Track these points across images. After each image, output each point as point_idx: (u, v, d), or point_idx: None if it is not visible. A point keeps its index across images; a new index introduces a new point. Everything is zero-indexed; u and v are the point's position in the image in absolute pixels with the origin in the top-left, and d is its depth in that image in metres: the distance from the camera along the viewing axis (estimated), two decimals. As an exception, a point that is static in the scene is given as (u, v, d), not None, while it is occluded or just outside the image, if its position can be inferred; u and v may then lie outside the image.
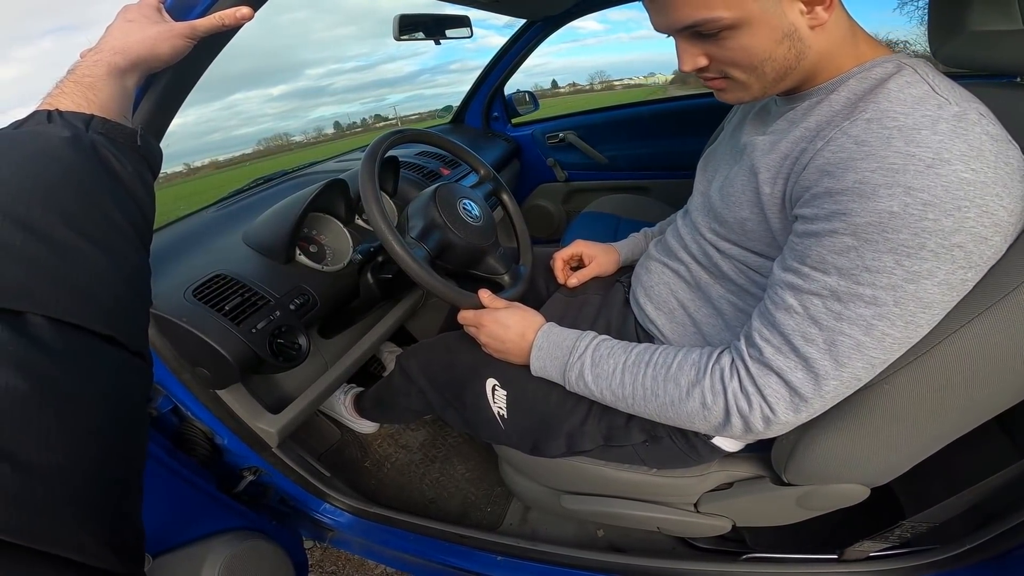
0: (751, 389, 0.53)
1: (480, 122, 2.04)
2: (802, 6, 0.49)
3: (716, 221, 0.64)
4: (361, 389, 1.28)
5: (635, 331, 0.79)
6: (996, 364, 0.48)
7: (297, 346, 0.77)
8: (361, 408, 1.25)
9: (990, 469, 0.65)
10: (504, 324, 0.73)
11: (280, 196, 1.01)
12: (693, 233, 0.70)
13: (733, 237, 0.62)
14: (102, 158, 0.40)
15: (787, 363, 0.50)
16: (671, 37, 0.56)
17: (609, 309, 0.84)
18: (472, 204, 0.88)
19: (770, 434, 0.56)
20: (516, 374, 0.75)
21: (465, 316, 0.76)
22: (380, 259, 0.91)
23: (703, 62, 0.54)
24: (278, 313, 0.77)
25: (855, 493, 0.67)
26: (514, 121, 2.10)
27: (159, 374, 0.74)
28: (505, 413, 0.77)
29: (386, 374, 1.38)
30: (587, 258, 0.92)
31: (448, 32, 1.39)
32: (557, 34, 1.80)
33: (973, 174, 0.41)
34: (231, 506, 0.88)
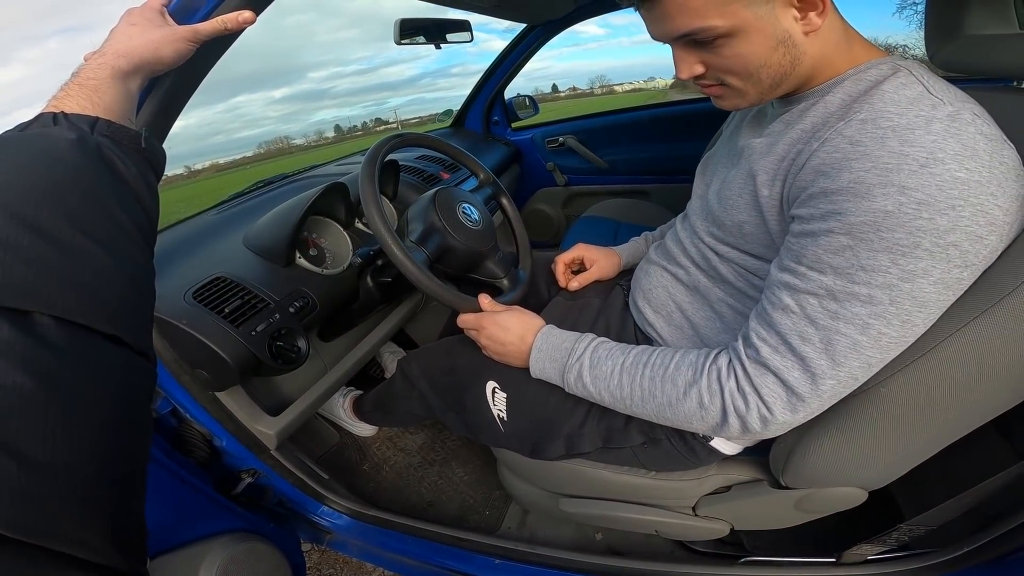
0: (748, 389, 0.53)
1: (480, 126, 2.05)
2: (796, 12, 0.49)
3: (714, 224, 0.65)
4: (360, 392, 1.28)
5: (634, 334, 0.79)
6: (993, 367, 0.48)
7: (296, 349, 0.77)
8: (360, 411, 1.25)
9: (988, 472, 0.65)
10: (504, 327, 0.73)
11: (280, 199, 1.01)
12: (692, 237, 0.71)
13: (731, 240, 0.62)
14: (107, 160, 0.40)
15: (784, 363, 0.50)
16: (668, 45, 0.56)
17: (608, 312, 0.85)
18: (472, 208, 0.88)
19: (768, 434, 0.56)
20: (516, 377, 0.75)
21: (465, 319, 0.77)
22: (380, 262, 0.92)
23: (700, 70, 0.55)
24: (278, 316, 0.77)
25: (853, 496, 0.67)
26: (514, 125, 2.11)
27: (158, 376, 0.74)
28: (505, 416, 0.77)
29: (387, 377, 1.38)
30: (588, 262, 0.93)
31: (449, 36, 1.40)
32: (558, 38, 1.82)
33: (967, 173, 0.41)
34: (229, 508, 0.88)
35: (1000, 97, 0.59)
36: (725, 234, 0.63)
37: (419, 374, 0.90)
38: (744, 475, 0.77)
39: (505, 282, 0.88)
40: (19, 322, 0.28)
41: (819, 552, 0.82)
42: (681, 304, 0.71)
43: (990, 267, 0.46)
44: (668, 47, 0.57)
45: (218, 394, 0.80)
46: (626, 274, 0.93)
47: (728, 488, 0.79)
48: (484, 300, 0.76)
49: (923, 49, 0.70)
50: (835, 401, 0.52)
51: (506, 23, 1.69)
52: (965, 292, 0.46)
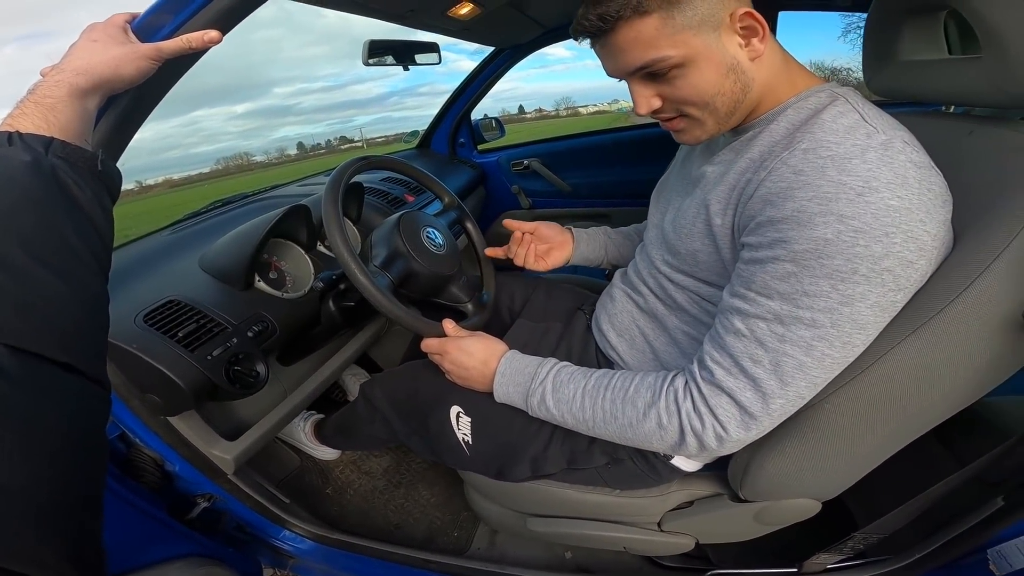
0: (703, 409, 0.54)
1: (446, 148, 2.05)
2: (740, 39, 0.52)
3: (670, 253, 0.67)
4: (322, 416, 1.25)
5: (596, 357, 0.80)
6: (924, 382, 0.51)
7: (255, 373, 0.75)
8: (322, 435, 1.22)
9: (932, 479, 0.68)
10: (467, 352, 0.73)
11: (239, 220, 0.99)
12: (649, 267, 0.73)
13: (686, 268, 0.65)
14: (62, 183, 0.39)
15: (737, 384, 0.52)
16: (623, 81, 0.58)
17: (571, 336, 0.86)
18: (436, 233, 0.88)
19: (724, 451, 0.58)
20: (480, 401, 0.76)
21: (429, 344, 0.77)
22: (342, 286, 0.90)
23: (657, 103, 0.57)
24: (235, 340, 0.75)
25: (808, 507, 0.70)
26: (480, 147, 2.11)
27: None
28: (470, 439, 0.77)
29: (350, 400, 1.35)
30: (542, 238, 0.93)
31: (417, 58, 1.42)
32: (526, 60, 1.84)
33: (899, 201, 0.44)
34: (184, 532, 0.84)
35: (931, 122, 0.62)
36: (680, 262, 0.65)
37: (382, 398, 0.89)
38: (705, 490, 0.78)
39: (469, 306, 0.89)
40: None
41: (781, 563, 0.84)
42: (643, 329, 0.73)
43: (920, 289, 0.49)
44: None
45: (171, 419, 0.77)
46: (589, 299, 0.95)
47: (691, 503, 0.80)
48: (448, 325, 0.76)
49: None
50: (785, 418, 0.54)
51: (476, 44, 1.72)
52: (898, 313, 0.49)
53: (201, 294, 0.80)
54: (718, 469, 0.75)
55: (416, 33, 1.37)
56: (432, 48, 1.47)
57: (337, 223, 0.70)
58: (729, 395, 0.53)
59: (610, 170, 1.93)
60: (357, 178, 0.87)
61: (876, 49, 0.68)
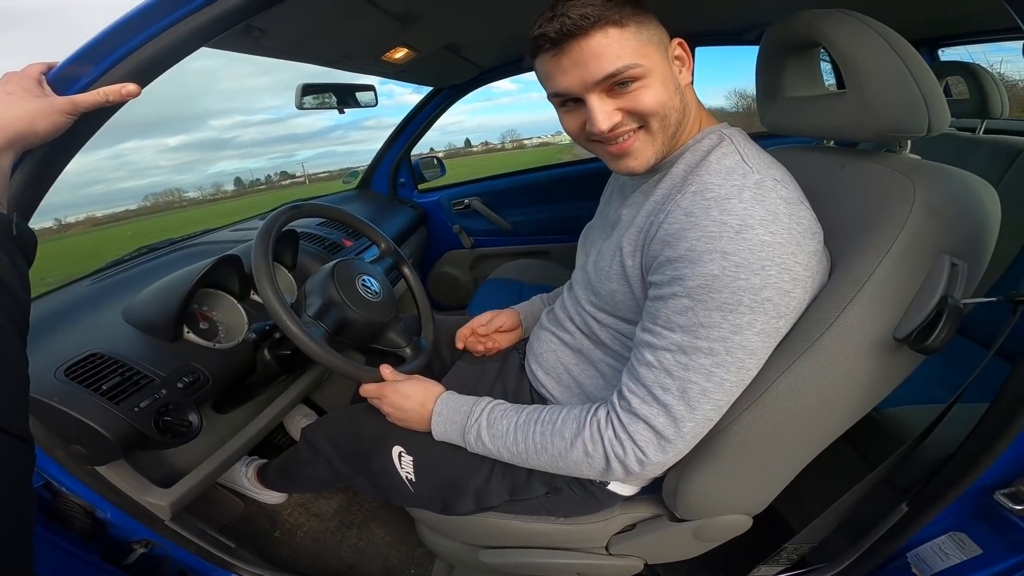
0: (623, 436, 0.57)
1: (387, 188, 2.02)
2: (677, 63, 0.57)
3: (592, 293, 0.70)
4: (265, 461, 1.22)
5: (530, 395, 0.83)
6: (816, 397, 0.56)
7: (187, 423, 0.74)
8: (265, 479, 1.18)
9: (849, 486, 0.72)
10: (405, 395, 0.75)
11: (166, 268, 0.96)
12: (575, 305, 0.76)
13: (607, 307, 0.68)
14: None
15: (651, 411, 0.55)
16: (582, 99, 0.57)
17: (506, 375, 0.88)
18: (371, 280, 0.88)
19: (648, 474, 0.60)
20: (421, 440, 0.76)
21: (367, 389, 0.78)
22: (277, 335, 0.89)
23: (617, 117, 0.56)
24: (164, 392, 0.73)
25: (740, 523, 0.73)
26: (421, 187, 2.10)
27: None
28: (413, 477, 0.78)
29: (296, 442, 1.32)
30: (498, 325, 0.94)
31: (352, 100, 1.41)
32: (472, 94, 1.88)
33: (772, 236, 0.49)
34: (123, 578, 0.80)
35: (813, 156, 0.68)
36: (601, 302, 0.68)
37: (324, 441, 0.88)
38: (646, 512, 0.80)
39: (408, 351, 0.89)
40: None
41: None
42: (568, 366, 0.76)
43: (802, 317, 0.54)
44: None
45: (99, 468, 0.74)
46: (522, 340, 0.96)
47: (634, 526, 0.82)
48: (386, 370, 0.77)
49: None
50: (698, 440, 0.58)
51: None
52: (785, 339, 0.54)
53: (125, 347, 0.78)
54: (656, 491, 0.78)
55: (354, 76, 1.38)
56: (368, 89, 1.47)
57: (268, 275, 0.70)
58: (645, 421, 0.56)
59: (548, 207, 1.98)
60: (293, 224, 0.86)
61: (765, 86, 0.73)
